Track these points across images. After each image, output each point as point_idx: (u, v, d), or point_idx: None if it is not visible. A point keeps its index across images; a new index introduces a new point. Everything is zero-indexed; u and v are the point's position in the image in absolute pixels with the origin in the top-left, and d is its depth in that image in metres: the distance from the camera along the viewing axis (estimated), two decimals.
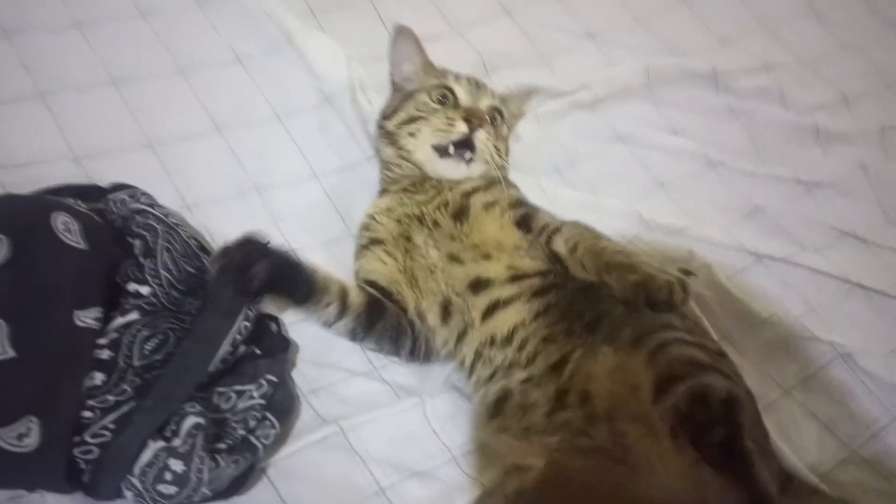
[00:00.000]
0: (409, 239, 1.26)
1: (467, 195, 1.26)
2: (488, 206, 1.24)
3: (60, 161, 1.27)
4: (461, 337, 1.21)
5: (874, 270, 1.50)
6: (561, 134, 1.59)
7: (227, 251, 1.08)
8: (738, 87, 1.72)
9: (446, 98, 1.30)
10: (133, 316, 0.98)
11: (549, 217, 1.28)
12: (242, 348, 1.08)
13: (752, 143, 1.67)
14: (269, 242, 1.13)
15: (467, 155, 1.27)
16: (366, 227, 1.30)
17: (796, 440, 1.26)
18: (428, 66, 1.39)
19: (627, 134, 1.63)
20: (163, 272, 1.02)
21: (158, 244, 1.03)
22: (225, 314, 1.05)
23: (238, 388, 1.05)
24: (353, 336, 1.20)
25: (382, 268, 1.26)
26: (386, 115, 1.37)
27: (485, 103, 1.33)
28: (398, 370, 1.26)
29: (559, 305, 1.15)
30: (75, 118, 1.32)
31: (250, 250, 1.09)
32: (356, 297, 1.20)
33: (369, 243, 1.28)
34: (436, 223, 1.25)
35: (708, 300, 1.39)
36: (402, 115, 1.32)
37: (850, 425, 1.29)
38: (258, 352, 1.11)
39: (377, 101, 1.47)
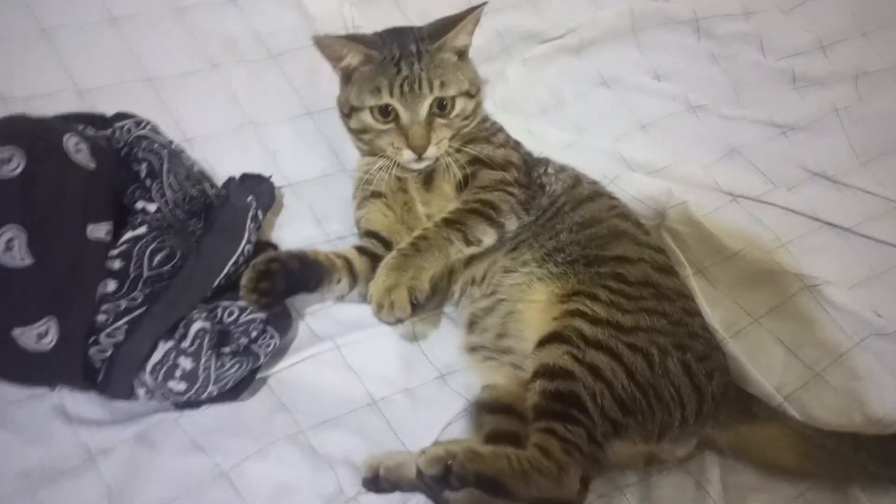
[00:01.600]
0: (405, 192, 1.34)
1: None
2: (446, 169, 1.30)
3: (63, 93, 1.33)
4: (451, 277, 1.31)
5: (843, 209, 1.59)
6: (548, 77, 1.66)
7: (253, 286, 1.13)
8: (719, 32, 1.78)
9: (388, 112, 1.26)
10: (142, 230, 1.05)
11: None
12: (244, 268, 1.15)
13: (732, 87, 1.75)
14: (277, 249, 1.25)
15: (424, 161, 1.29)
16: (367, 182, 1.35)
17: (764, 363, 1.34)
18: (365, 57, 1.27)
19: (612, 77, 1.70)
20: (168, 191, 1.10)
21: (164, 166, 1.10)
22: (229, 238, 1.14)
23: (241, 303, 1.13)
24: (366, 298, 1.23)
25: (383, 219, 1.33)
26: (342, 112, 1.35)
27: (424, 108, 1.25)
28: None
29: (528, 241, 1.26)
30: (78, 54, 1.39)
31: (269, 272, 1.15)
32: (360, 264, 1.27)
33: (370, 196, 1.35)
34: (416, 186, 1.33)
35: (684, 235, 1.48)
36: (354, 124, 1.32)
37: (815, 351, 1.38)
38: None
39: None
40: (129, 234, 1.04)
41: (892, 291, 1.49)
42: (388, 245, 1.31)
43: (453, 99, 1.28)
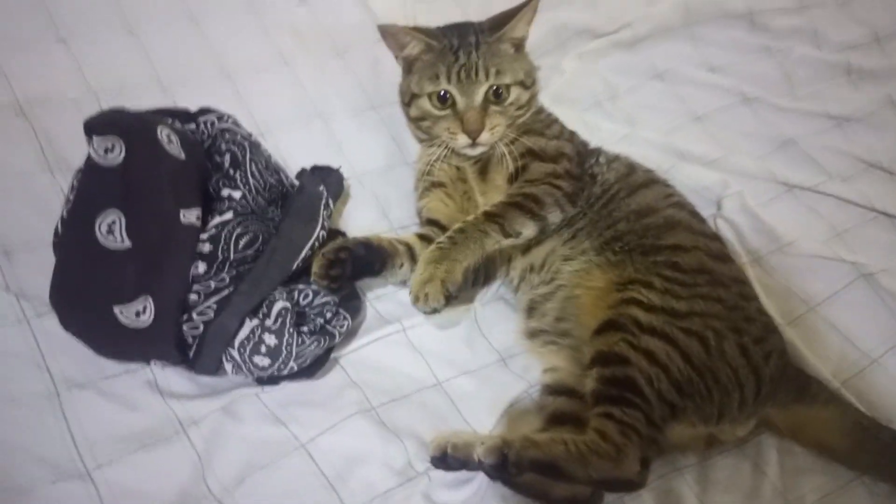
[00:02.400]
0: (465, 181, 1.39)
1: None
2: (500, 160, 1.34)
3: (149, 88, 1.43)
4: (510, 262, 1.36)
5: None
6: (602, 70, 1.70)
7: (324, 273, 1.21)
8: (773, 25, 1.80)
9: (446, 98, 1.31)
10: (228, 215, 1.13)
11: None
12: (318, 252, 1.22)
13: (786, 79, 1.76)
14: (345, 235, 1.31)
15: (480, 147, 1.34)
16: (427, 173, 1.41)
17: (820, 351, 1.35)
18: (426, 46, 1.33)
19: (665, 70, 1.73)
20: (251, 179, 1.17)
21: (246, 157, 1.18)
22: (306, 223, 1.21)
23: (315, 287, 1.21)
24: None
25: (444, 208, 1.39)
26: (402, 101, 1.41)
27: (480, 94, 1.29)
28: None
29: (585, 229, 1.30)
30: (161, 50, 1.48)
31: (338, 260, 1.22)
32: (421, 250, 1.32)
33: (431, 186, 1.41)
34: (474, 176, 1.38)
35: (739, 225, 1.50)
36: (413, 112, 1.36)
37: (871, 339, 1.38)
38: None
39: None
40: (217, 220, 1.12)
41: None
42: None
43: (508, 87, 1.32)
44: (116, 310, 1.03)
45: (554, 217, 1.28)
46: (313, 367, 1.15)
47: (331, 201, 1.29)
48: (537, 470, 1.05)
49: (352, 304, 1.24)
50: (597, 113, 1.65)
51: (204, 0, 1.55)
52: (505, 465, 1.04)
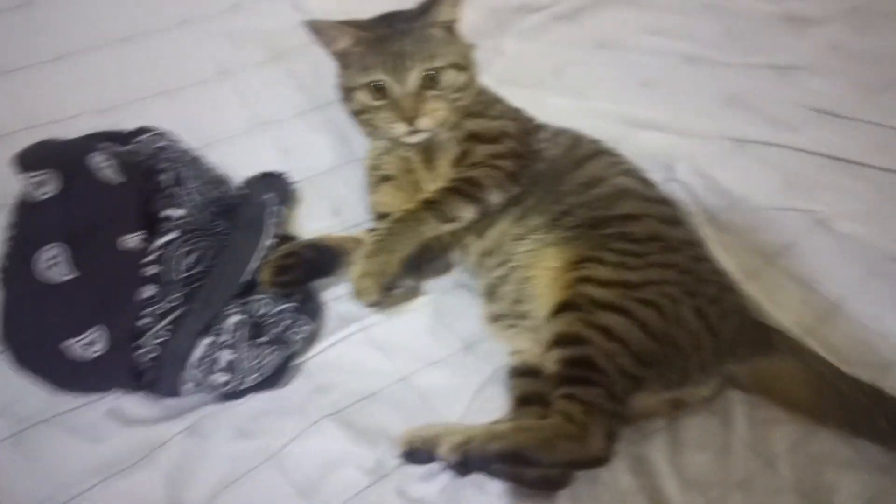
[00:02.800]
0: (413, 172, 1.39)
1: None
2: (444, 147, 1.35)
3: (89, 114, 1.42)
4: (467, 248, 1.36)
5: (850, 143, 1.60)
6: (544, 46, 1.70)
7: (273, 280, 1.22)
8: None
9: (381, 88, 1.30)
10: (172, 235, 1.13)
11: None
12: None
13: (728, 35, 1.76)
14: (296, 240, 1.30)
15: (421, 133, 1.33)
16: (374, 168, 1.41)
17: (781, 302, 1.36)
18: (356, 39, 1.32)
19: (607, 39, 1.73)
20: (193, 196, 1.17)
21: (185, 174, 1.18)
22: (252, 234, 1.21)
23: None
24: None
25: (395, 201, 1.38)
26: (341, 97, 1.39)
27: (413, 79, 1.29)
28: None
29: (535, 206, 1.30)
30: (96, 74, 1.47)
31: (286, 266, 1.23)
32: None
33: (380, 180, 1.41)
34: (421, 166, 1.38)
35: (693, 186, 1.51)
36: (352, 106, 1.35)
37: (831, 284, 1.39)
38: None
39: None
40: (161, 241, 1.11)
41: None
42: None
43: (442, 70, 1.31)
44: (68, 343, 1.03)
45: (495, 198, 1.28)
46: (276, 377, 1.16)
47: (279, 208, 1.29)
48: (503, 461, 1.06)
49: (310, 308, 1.25)
50: (544, 89, 1.65)
51: (134, 18, 1.54)
52: (468, 462, 1.05)
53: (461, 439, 1.05)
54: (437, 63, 1.30)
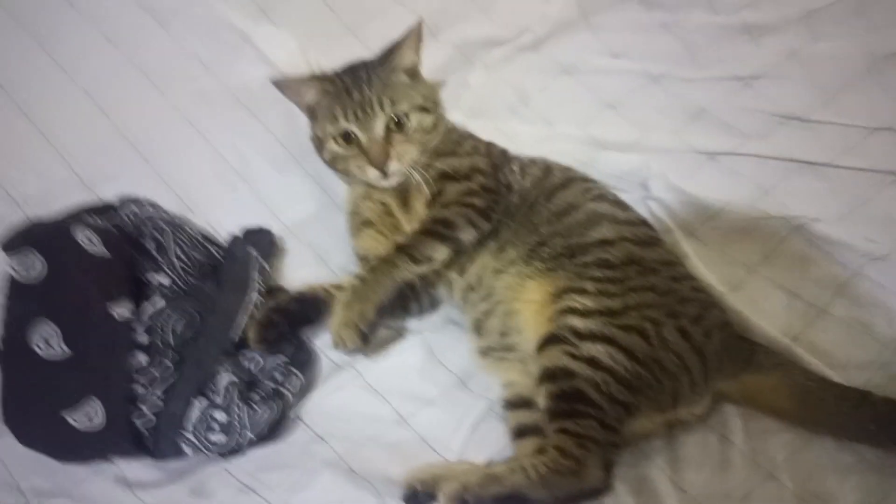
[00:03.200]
0: (391, 215, 1.42)
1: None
2: (418, 188, 1.37)
3: (73, 188, 1.43)
4: (451, 285, 1.38)
5: (818, 146, 1.61)
6: (510, 77, 1.73)
7: (260, 338, 1.25)
8: (666, 1, 1.83)
9: (349, 137, 1.33)
10: (160, 304, 1.15)
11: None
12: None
13: (687, 50, 1.79)
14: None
15: (391, 178, 1.35)
16: (354, 213, 1.44)
17: (768, 310, 1.37)
18: (322, 91, 1.36)
19: (571, 65, 1.75)
20: (177, 262, 1.19)
21: (170, 240, 1.21)
22: (238, 291, 1.24)
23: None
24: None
25: (377, 245, 1.40)
26: (315, 148, 1.42)
27: (380, 127, 1.31)
28: None
29: (511, 239, 1.32)
30: (76, 146, 1.49)
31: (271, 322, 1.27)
32: None
33: (361, 225, 1.43)
34: (397, 208, 1.41)
35: (669, 202, 1.53)
36: (325, 156, 1.38)
37: (815, 288, 1.40)
38: None
39: None
40: (150, 310, 1.14)
41: (879, 215, 1.51)
42: None
43: (407, 115, 1.34)
44: (68, 417, 1.05)
45: (467, 236, 1.30)
46: (274, 430, 1.18)
47: (264, 262, 1.31)
48: (503, 503, 1.06)
49: (302, 357, 1.27)
50: (513, 119, 1.68)
51: (107, 88, 1.56)
52: None
53: (458, 487, 1.06)
54: (402, 108, 1.33)
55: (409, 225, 1.39)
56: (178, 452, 1.11)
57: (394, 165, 1.32)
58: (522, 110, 1.70)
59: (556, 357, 1.14)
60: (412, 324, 1.42)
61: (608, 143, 1.62)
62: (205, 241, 1.32)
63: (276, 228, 1.47)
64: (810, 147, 1.61)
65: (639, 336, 1.15)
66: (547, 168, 1.43)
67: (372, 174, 1.33)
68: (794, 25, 1.80)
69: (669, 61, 1.77)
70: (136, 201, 1.30)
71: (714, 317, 1.25)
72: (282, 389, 1.19)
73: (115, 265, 1.16)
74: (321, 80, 1.36)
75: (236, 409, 1.09)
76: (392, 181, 1.35)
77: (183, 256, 1.22)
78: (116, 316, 1.11)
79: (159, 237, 1.22)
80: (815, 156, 1.59)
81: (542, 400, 1.15)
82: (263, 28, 1.68)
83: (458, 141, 1.43)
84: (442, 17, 1.76)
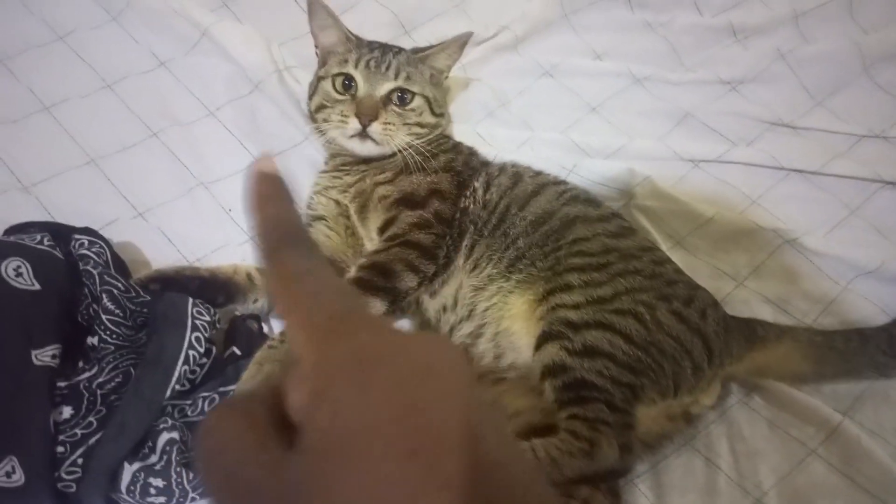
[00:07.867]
0: (347, 217, 1.23)
1: (375, 185, 1.21)
2: (381, 199, 1.19)
3: (10, 192, 1.21)
4: (419, 305, 1.19)
5: (806, 153, 1.43)
6: (488, 78, 1.51)
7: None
8: (651, 0, 1.62)
9: (350, 85, 1.21)
10: (92, 371, 0.91)
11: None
12: (215, 353, 1.02)
13: (673, 52, 1.58)
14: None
15: (369, 142, 1.20)
16: (308, 206, 1.27)
17: None
18: (345, 38, 1.26)
19: (552, 66, 1.53)
20: (104, 316, 0.93)
21: (98, 289, 0.95)
22: (172, 331, 0.97)
23: (221, 389, 0.99)
24: None
25: (327, 241, 1.23)
26: (309, 95, 1.29)
27: (384, 89, 1.20)
28: None
29: (485, 255, 1.15)
30: (15, 148, 1.26)
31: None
32: None
33: (312, 220, 1.25)
34: (356, 213, 1.22)
35: (656, 210, 1.34)
36: (315, 101, 1.26)
37: (804, 303, 1.26)
38: (238, 352, 1.06)
39: (305, 77, 1.37)
40: (83, 375, 0.90)
41: (870, 225, 1.36)
42: (334, 266, 1.19)
43: (414, 95, 1.22)
44: None
45: (406, 283, 1.11)
46: None
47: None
48: None
49: None
50: (491, 123, 1.45)
51: (54, 87, 1.32)
52: None
53: None
54: (413, 88, 1.22)
55: (363, 229, 1.21)
56: None
57: (377, 128, 1.17)
58: (501, 113, 1.48)
59: (554, 353, 1.02)
60: None
61: (591, 148, 1.41)
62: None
63: (236, 236, 1.25)
64: (799, 154, 1.43)
65: (634, 319, 1.03)
66: (517, 176, 1.25)
67: (353, 125, 1.18)
68: (784, 27, 1.61)
69: (654, 63, 1.55)
70: (87, 236, 1.04)
71: (704, 297, 1.13)
72: None
73: (45, 300, 0.90)
74: (350, 33, 1.26)
75: (174, 475, 0.86)
76: (366, 146, 1.20)
77: (113, 306, 0.95)
78: (36, 360, 0.87)
79: (88, 284, 0.97)
80: (805, 163, 1.41)
81: (547, 396, 1.02)
82: (225, 22, 1.44)
83: (437, 153, 1.24)
84: (417, 13, 1.55)
